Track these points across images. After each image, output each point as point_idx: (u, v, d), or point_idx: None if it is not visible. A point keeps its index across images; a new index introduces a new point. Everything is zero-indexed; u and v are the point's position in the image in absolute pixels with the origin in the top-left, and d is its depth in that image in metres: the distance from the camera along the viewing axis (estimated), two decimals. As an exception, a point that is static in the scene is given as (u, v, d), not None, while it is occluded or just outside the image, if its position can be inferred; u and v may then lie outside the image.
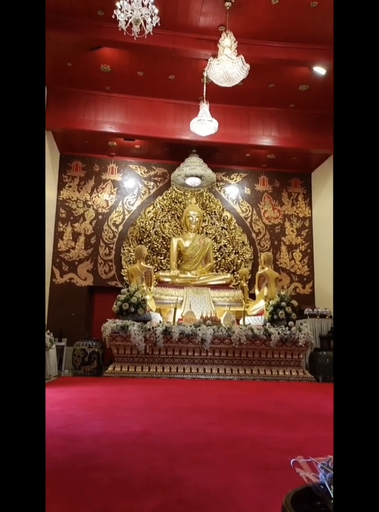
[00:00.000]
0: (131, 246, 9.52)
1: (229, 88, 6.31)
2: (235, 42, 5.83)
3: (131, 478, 1.77)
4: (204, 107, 6.79)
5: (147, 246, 9.41)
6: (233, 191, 10.31)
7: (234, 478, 1.78)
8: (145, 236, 9.66)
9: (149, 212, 9.82)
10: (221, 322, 7.56)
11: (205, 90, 6.88)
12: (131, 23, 4.76)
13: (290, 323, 7.41)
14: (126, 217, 9.81)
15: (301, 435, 2.72)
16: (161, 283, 8.79)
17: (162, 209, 9.88)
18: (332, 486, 0.89)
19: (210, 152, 9.52)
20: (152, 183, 10.07)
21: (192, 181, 9.16)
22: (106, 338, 6.93)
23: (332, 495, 0.90)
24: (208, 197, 10.02)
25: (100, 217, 9.73)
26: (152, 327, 6.92)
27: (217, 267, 9.76)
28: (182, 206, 9.92)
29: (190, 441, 2.48)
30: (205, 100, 6.84)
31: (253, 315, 8.08)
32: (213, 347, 7.05)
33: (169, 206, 9.92)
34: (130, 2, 4.71)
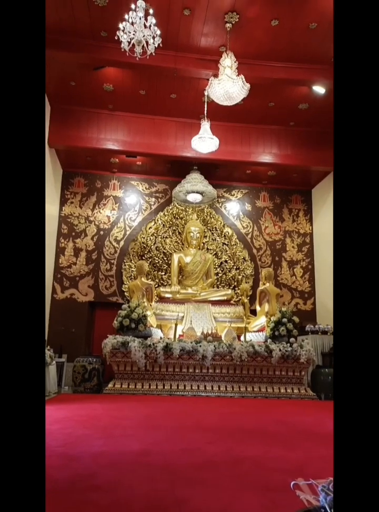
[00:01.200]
0: (132, 261, 9.54)
1: (230, 106, 6.40)
2: (235, 62, 5.95)
3: (131, 498, 1.74)
4: (205, 125, 6.88)
5: (148, 262, 9.42)
6: (234, 207, 10.37)
7: (235, 499, 1.76)
8: (146, 252, 9.69)
9: (150, 227, 9.87)
10: (222, 338, 7.52)
11: (206, 109, 7.00)
12: (133, 44, 4.87)
13: (292, 339, 7.36)
14: (127, 233, 9.85)
15: (303, 455, 2.69)
16: (162, 299, 8.77)
17: (163, 225, 9.92)
18: (332, 510, 0.88)
19: (211, 169, 9.62)
20: (153, 199, 10.13)
21: (194, 198, 9.22)
22: (106, 354, 6.89)
23: (333, 519, 0.89)
24: (209, 213, 10.07)
25: (101, 233, 9.77)
26: (153, 344, 6.89)
27: (218, 283, 9.75)
28: (183, 222, 9.97)
29: (191, 460, 2.45)
30: (206, 118, 6.94)
31: (254, 331, 8.03)
32: (214, 363, 7.00)
33: (170, 222, 9.97)
34: (132, 24, 4.82)
